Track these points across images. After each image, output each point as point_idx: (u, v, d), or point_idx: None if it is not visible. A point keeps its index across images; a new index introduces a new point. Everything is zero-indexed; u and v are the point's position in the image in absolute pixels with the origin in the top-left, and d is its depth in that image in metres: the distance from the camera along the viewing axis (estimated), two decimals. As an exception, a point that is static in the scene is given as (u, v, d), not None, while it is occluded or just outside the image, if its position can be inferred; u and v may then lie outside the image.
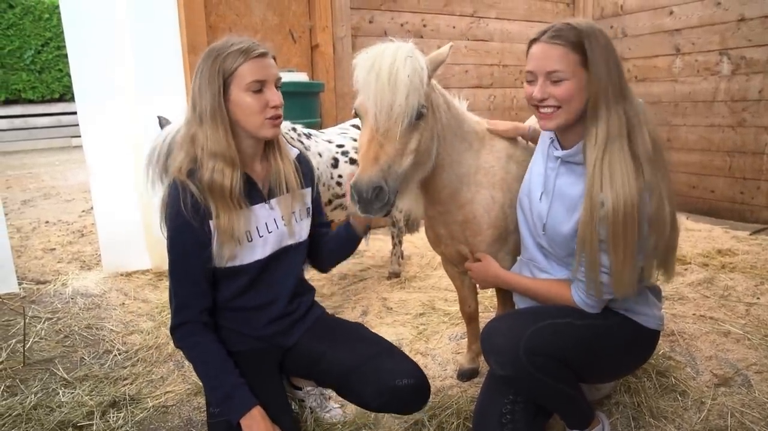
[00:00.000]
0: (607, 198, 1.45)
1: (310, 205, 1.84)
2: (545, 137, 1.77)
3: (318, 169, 2.37)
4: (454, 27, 5.14)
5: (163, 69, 3.51)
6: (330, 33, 4.48)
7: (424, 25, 4.99)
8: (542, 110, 1.56)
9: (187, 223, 1.53)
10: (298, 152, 1.83)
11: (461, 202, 1.87)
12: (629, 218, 1.44)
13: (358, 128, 2.85)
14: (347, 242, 1.89)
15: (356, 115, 1.60)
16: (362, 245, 1.97)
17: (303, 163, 1.82)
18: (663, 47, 5.14)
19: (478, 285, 2.03)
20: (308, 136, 2.74)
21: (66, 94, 12.83)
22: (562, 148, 1.66)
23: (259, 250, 1.68)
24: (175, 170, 1.58)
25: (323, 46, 4.48)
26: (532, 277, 1.79)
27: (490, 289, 2.56)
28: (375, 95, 1.49)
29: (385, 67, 1.49)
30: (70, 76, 3.71)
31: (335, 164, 2.79)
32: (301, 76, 3.92)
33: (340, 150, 2.85)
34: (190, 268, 1.59)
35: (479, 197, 1.87)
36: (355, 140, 2.92)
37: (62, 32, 3.93)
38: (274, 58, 1.62)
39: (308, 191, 1.83)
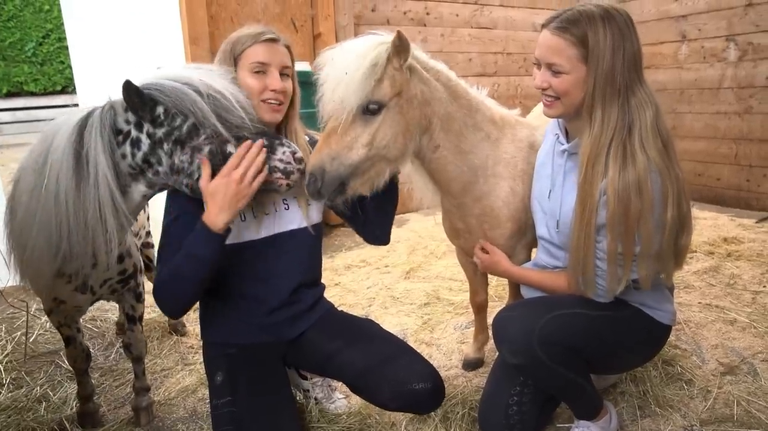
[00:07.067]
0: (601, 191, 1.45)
1: None
2: (550, 135, 1.73)
3: None
4: (457, 15, 5.09)
5: (164, 60, 3.49)
6: (332, 22, 4.45)
7: (428, 13, 4.94)
8: (544, 98, 1.57)
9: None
10: (308, 139, 1.81)
11: (477, 195, 1.81)
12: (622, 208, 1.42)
13: None
14: (388, 191, 1.72)
15: None
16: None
17: None
18: (669, 34, 5.07)
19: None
20: None
21: (68, 87, 12.75)
22: (568, 140, 1.64)
23: (253, 230, 1.68)
24: None
25: (326, 35, 4.44)
26: (540, 269, 1.77)
27: (498, 278, 2.53)
28: (325, 90, 1.51)
29: (337, 63, 1.50)
30: (72, 68, 3.70)
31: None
32: (303, 66, 3.89)
33: None
34: (176, 233, 1.55)
35: (498, 189, 1.81)
36: None
37: (63, 24, 3.91)
38: (289, 48, 1.65)
39: None
